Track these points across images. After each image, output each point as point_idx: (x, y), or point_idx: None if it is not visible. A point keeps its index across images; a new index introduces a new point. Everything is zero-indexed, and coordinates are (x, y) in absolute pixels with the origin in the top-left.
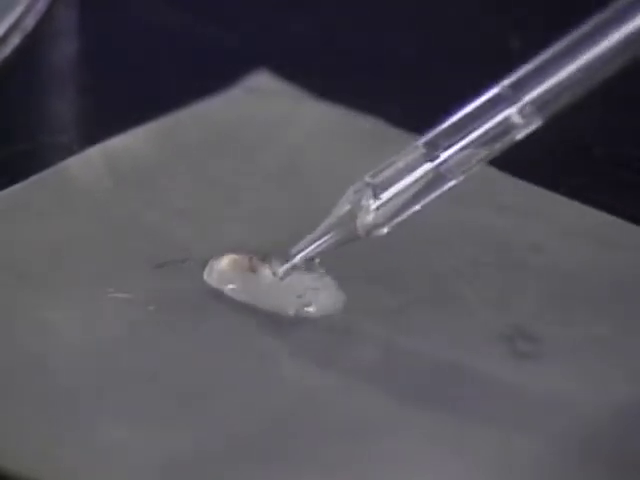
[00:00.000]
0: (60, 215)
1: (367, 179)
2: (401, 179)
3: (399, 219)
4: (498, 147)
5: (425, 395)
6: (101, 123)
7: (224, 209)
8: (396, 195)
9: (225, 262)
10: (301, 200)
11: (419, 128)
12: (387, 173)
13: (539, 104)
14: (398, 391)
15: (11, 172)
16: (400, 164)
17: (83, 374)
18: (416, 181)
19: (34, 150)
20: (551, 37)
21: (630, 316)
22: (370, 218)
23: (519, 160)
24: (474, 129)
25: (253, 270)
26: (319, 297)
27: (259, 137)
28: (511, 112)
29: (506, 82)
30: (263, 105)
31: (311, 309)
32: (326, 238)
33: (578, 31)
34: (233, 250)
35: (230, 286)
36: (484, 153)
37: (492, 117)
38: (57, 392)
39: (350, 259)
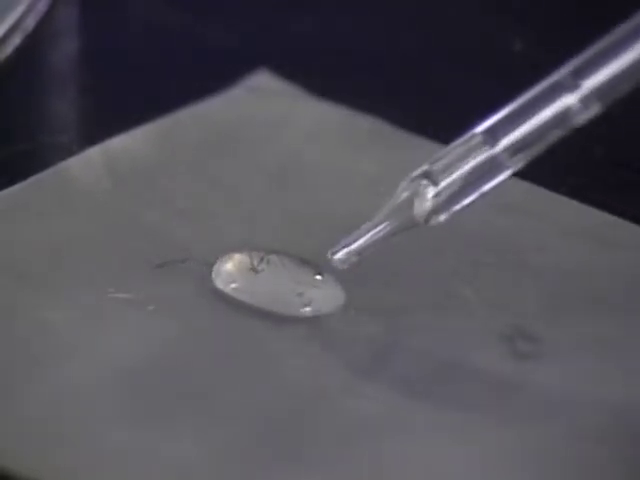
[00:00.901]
0: (60, 215)
1: (425, 166)
2: (459, 166)
3: (457, 207)
4: (556, 134)
5: (425, 395)
6: (101, 123)
7: (224, 209)
8: (454, 182)
9: (229, 262)
10: (301, 200)
11: (419, 128)
12: (445, 160)
13: (599, 91)
14: (398, 391)
15: (11, 172)
16: (458, 151)
17: (83, 374)
18: (474, 168)
19: (34, 150)
20: (552, 37)
21: (630, 316)
22: (428, 205)
23: None
24: (533, 117)
25: (254, 270)
26: (320, 296)
27: (259, 137)
28: (570, 99)
29: (566, 69)
30: (263, 105)
31: (312, 308)
32: (383, 226)
33: (637, 17)
34: (234, 249)
35: (232, 285)
36: (543, 140)
37: (551, 104)
38: (57, 392)
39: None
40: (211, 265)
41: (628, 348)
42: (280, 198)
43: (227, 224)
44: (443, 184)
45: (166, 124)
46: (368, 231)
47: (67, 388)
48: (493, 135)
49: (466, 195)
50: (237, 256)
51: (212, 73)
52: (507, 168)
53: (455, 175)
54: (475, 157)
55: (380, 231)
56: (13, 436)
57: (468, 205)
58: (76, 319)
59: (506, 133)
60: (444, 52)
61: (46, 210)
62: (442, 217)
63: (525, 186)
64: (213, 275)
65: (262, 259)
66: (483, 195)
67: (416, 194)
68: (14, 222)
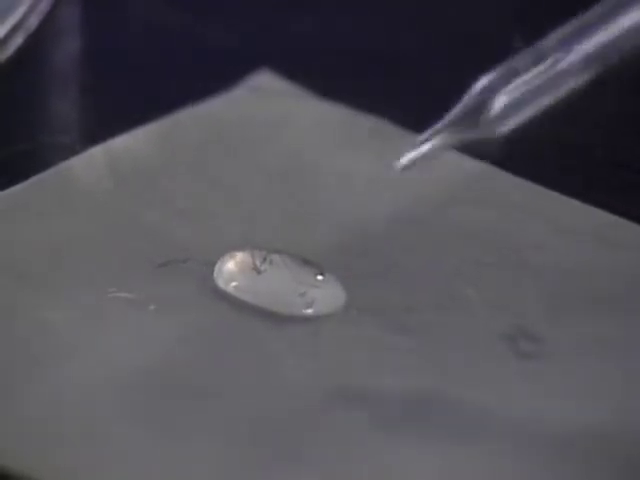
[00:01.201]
0: (60, 215)
1: (491, 76)
2: (526, 75)
3: (518, 118)
4: (628, 46)
5: (427, 395)
6: (102, 123)
7: (224, 209)
8: (519, 91)
9: (231, 261)
10: (301, 200)
11: (419, 128)
12: (511, 69)
13: None
14: (400, 391)
15: (11, 172)
16: (526, 60)
17: (83, 374)
18: (536, 78)
19: (35, 150)
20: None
21: (630, 316)
22: (493, 113)
23: (520, 159)
24: (597, 31)
25: (257, 269)
26: (321, 297)
27: (260, 137)
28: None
29: None
30: (264, 105)
31: (313, 309)
32: (447, 134)
33: None
34: (235, 249)
35: (234, 285)
36: (606, 55)
37: (624, 16)
38: (57, 392)
39: (353, 258)
40: (212, 265)
41: (628, 348)
42: (280, 198)
43: (227, 224)
44: (509, 93)
45: (167, 124)
46: (432, 137)
47: (67, 388)
48: (553, 49)
49: (527, 105)
50: (239, 255)
51: (212, 73)
52: (569, 81)
53: (521, 84)
54: (535, 68)
55: (444, 138)
56: (13, 436)
57: (532, 115)
58: (76, 319)
59: (568, 47)
60: (444, 52)
61: (46, 210)
62: (505, 127)
63: (526, 185)
64: (215, 274)
65: (264, 259)
66: (547, 106)
67: (482, 102)
68: (14, 222)
